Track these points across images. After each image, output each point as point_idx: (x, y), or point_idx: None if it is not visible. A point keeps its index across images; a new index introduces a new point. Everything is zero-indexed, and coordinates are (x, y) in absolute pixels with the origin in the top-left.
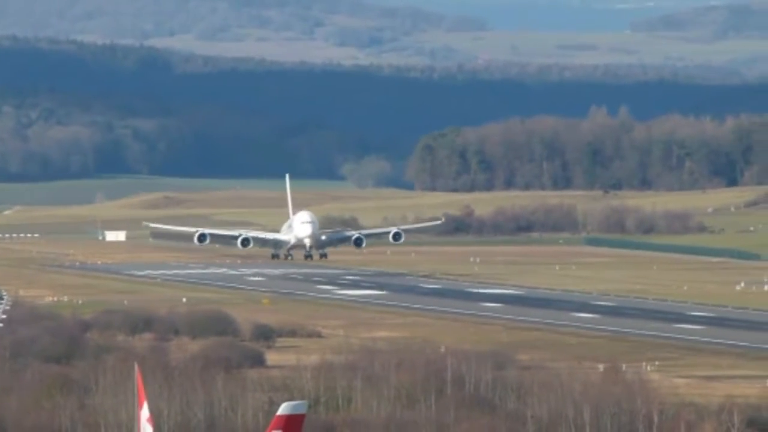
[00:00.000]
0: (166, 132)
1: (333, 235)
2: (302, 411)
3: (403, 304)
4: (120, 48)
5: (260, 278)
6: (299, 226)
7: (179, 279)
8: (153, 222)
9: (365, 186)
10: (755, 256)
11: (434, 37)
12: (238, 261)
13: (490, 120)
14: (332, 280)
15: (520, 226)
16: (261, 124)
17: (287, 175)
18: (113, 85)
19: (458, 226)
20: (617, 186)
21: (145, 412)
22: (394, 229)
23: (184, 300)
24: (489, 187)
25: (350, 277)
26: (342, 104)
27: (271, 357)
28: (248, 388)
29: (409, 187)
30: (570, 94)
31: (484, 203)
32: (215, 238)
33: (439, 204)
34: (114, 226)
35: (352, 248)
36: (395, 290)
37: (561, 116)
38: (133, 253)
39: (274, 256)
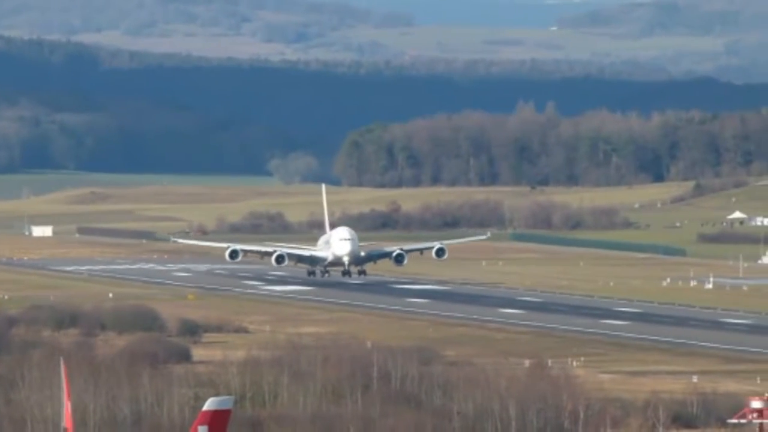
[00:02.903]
0: (92, 127)
1: (373, 252)
2: (228, 406)
3: (330, 300)
4: (47, 43)
5: (186, 274)
6: (338, 243)
7: (106, 274)
8: (182, 239)
9: (292, 182)
10: (681, 252)
11: (361, 33)
12: (165, 256)
13: (416, 116)
14: (259, 276)
15: (446, 222)
16: (188, 120)
17: (323, 186)
18: (40, 81)
19: (385, 222)
20: (544, 182)
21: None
22: (437, 245)
23: (111, 295)
24: (416, 182)
25: (277, 273)
26: (269, 100)
27: (198, 352)
28: (174, 384)
29: (336, 182)
30: (497, 89)
31: (411, 199)
32: (248, 254)
33: (366, 200)
34: (41, 221)
35: (390, 264)
36: (322, 286)
37: (488, 112)
38: (60, 249)
39: (311, 273)
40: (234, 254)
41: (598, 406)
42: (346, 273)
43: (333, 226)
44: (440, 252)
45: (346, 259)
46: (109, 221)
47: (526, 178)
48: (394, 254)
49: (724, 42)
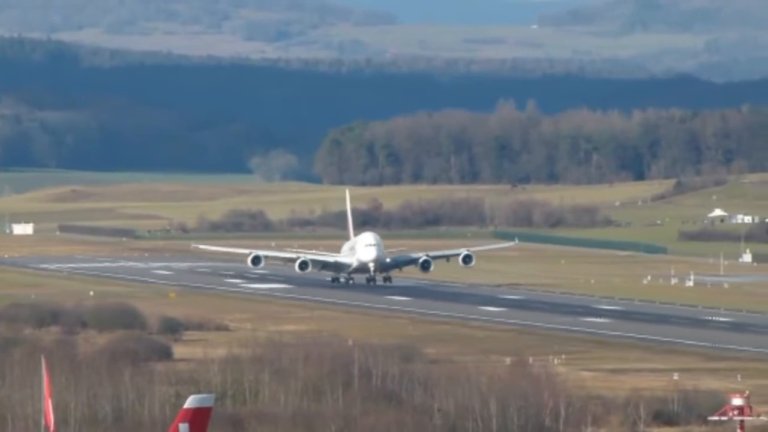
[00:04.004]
0: (73, 125)
1: (398, 258)
2: (209, 404)
3: (311, 298)
4: (28, 41)
5: (168, 272)
6: (363, 249)
7: (87, 272)
8: (202, 244)
9: (273, 179)
10: (662, 250)
11: (342, 31)
12: (146, 254)
13: (397, 114)
14: (240, 274)
15: (427, 220)
16: (168, 118)
17: (347, 190)
18: (21, 79)
19: (366, 220)
20: (525, 180)
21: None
22: (464, 251)
23: (92, 293)
24: (397, 180)
25: (259, 271)
26: (250, 98)
27: (179, 350)
28: (155, 381)
29: (317, 180)
30: (477, 88)
31: (392, 197)
32: (271, 260)
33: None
34: (21, 219)
35: (416, 270)
36: (303, 284)
37: (468, 110)
38: (41, 247)
39: (335, 280)
40: (256, 260)
41: (579, 403)
42: (371, 279)
43: (313, 223)
44: (467, 259)
45: (371, 266)
46: (90, 219)
47: (507, 176)
48: (421, 261)
49: (705, 40)
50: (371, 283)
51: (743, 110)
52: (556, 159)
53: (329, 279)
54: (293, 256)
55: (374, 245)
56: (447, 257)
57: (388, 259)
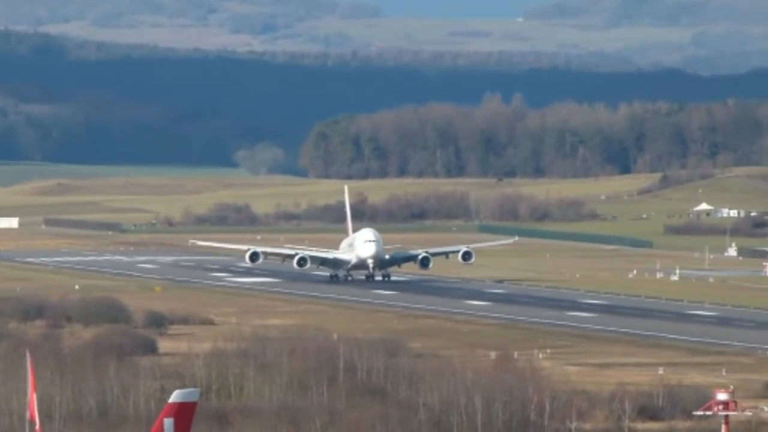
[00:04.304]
0: (59, 118)
1: (397, 255)
2: (194, 399)
3: (297, 292)
4: (14, 34)
5: (153, 266)
6: (362, 246)
7: (72, 266)
8: (200, 240)
9: (258, 173)
10: (648, 244)
11: (328, 24)
12: (131, 248)
13: (383, 107)
14: (225, 268)
15: (413, 214)
16: (155, 111)
17: (346, 187)
18: (7, 72)
19: (352, 214)
20: (511, 173)
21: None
22: (463, 248)
23: (77, 287)
24: (382, 174)
25: (244, 265)
26: (236, 91)
27: (164, 344)
28: (140, 376)
29: (303, 174)
30: (463, 81)
31: (378, 190)
32: (269, 256)
33: (333, 191)
34: (7, 212)
35: (415, 267)
36: (289, 278)
37: (454, 104)
38: (26, 240)
39: (333, 277)
40: (254, 257)
41: (564, 398)
42: (370, 276)
43: (299, 217)
44: (467, 256)
45: (370, 262)
46: (75, 213)
47: (492, 170)
48: (420, 257)
49: (691, 33)
50: (370, 280)
51: (729, 104)
52: (542, 153)
53: (328, 276)
54: (292, 252)
55: (373, 241)
56: (446, 254)
57: (387, 256)
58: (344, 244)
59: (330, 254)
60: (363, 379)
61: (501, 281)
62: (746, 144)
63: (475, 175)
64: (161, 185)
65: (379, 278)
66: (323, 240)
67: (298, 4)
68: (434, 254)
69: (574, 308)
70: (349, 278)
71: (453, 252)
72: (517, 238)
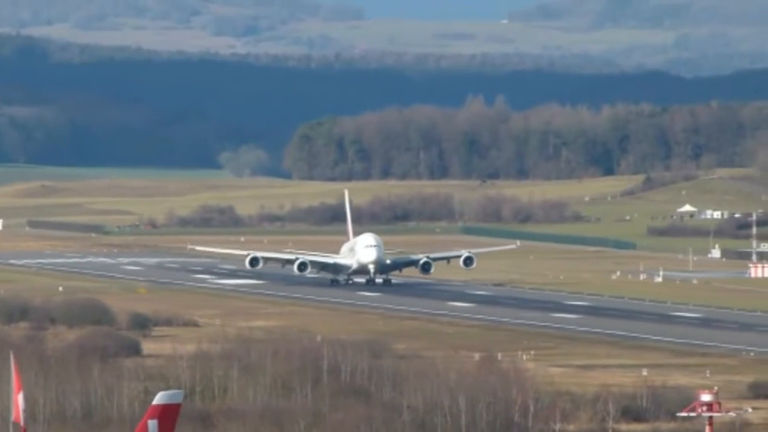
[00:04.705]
0: (42, 121)
1: (398, 259)
2: (178, 400)
3: (280, 294)
4: None
5: (137, 267)
6: (363, 251)
7: (56, 268)
8: (198, 245)
9: (242, 175)
10: (631, 245)
11: (311, 26)
12: (115, 250)
13: (367, 109)
14: (209, 270)
15: (396, 216)
16: (138, 113)
17: (346, 191)
18: None
19: (335, 215)
20: (494, 175)
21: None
22: (465, 253)
23: (61, 289)
24: (366, 176)
25: (228, 266)
26: (219, 93)
27: (147, 346)
28: (124, 377)
29: (287, 176)
30: (447, 83)
31: (361, 192)
32: (269, 261)
33: (317, 193)
34: None
35: (416, 272)
36: (273, 280)
37: (438, 106)
38: (10, 242)
39: (334, 282)
40: (254, 262)
41: (547, 399)
42: (371, 281)
43: (283, 219)
44: (468, 261)
45: (371, 267)
46: (59, 215)
47: (476, 172)
48: (421, 262)
49: (674, 35)
50: (371, 285)
51: (712, 106)
52: (526, 154)
53: (329, 280)
54: (292, 257)
55: (374, 246)
56: (447, 259)
57: (388, 261)
58: (345, 248)
59: (330, 259)
60: (347, 380)
61: (501, 284)
62: (729, 146)
63: (458, 177)
64: (144, 187)
65: (380, 283)
66: (307, 242)
67: (282, 6)
68: (435, 259)
69: (557, 310)
70: (350, 282)
71: (454, 257)
72: (518, 244)
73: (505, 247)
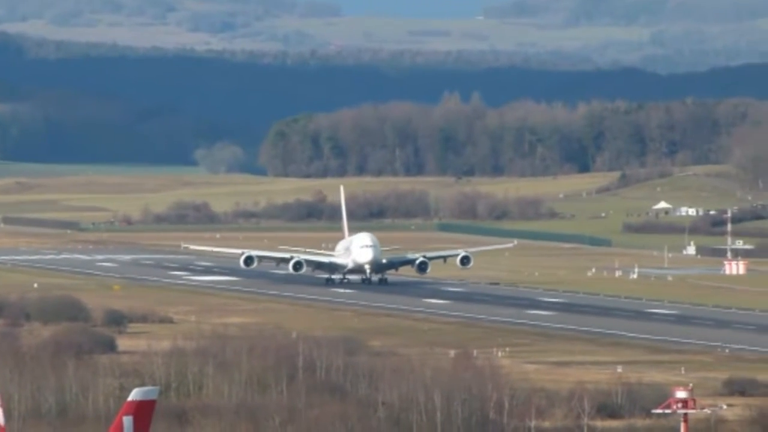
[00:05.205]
0: (18, 117)
1: (395, 259)
2: (153, 397)
3: (256, 291)
4: None
5: (112, 264)
6: (359, 251)
7: (31, 264)
8: (192, 244)
9: (218, 171)
10: (607, 242)
11: (287, 23)
12: (90, 246)
13: (342, 106)
14: (184, 266)
15: (372, 212)
16: (113, 110)
17: (341, 187)
18: None
19: (310, 212)
20: (469, 172)
21: None
22: (462, 252)
23: (36, 285)
24: (341, 173)
25: (203, 263)
26: (194, 89)
27: (123, 342)
28: (99, 374)
29: (262, 172)
30: (422, 80)
31: (337, 189)
32: (263, 260)
33: (292, 190)
34: None
35: (412, 271)
36: (248, 276)
37: (413, 102)
38: None
39: (329, 281)
40: (249, 261)
41: (523, 396)
42: (367, 280)
43: (258, 216)
44: (465, 260)
45: (367, 267)
46: (34, 211)
47: (451, 169)
48: (418, 262)
49: (650, 32)
50: (366, 284)
51: (688, 102)
52: (501, 151)
53: (324, 279)
54: (287, 256)
55: (371, 247)
56: (444, 258)
57: (384, 260)
58: (340, 247)
59: (326, 258)
60: (322, 377)
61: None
62: (705, 143)
63: (433, 174)
64: (120, 183)
65: (375, 281)
66: (282, 239)
67: (257, 2)
68: (432, 258)
69: (533, 306)
70: (345, 281)
71: (451, 256)
72: (516, 243)
73: (502, 245)
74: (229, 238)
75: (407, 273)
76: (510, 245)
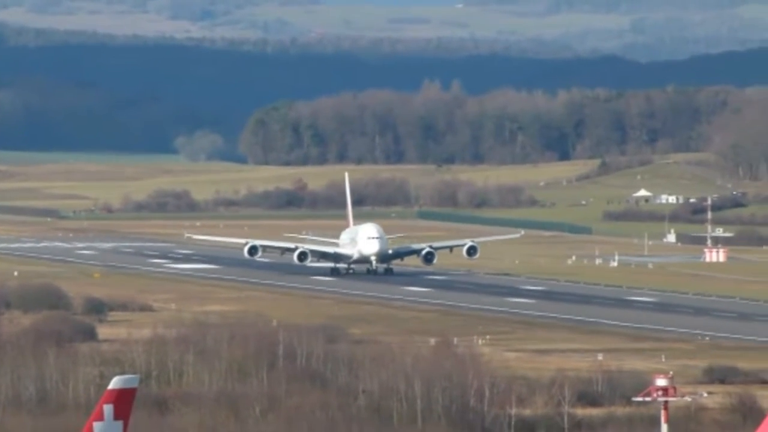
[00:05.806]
0: None
1: (401, 249)
2: (134, 385)
3: (236, 278)
4: None
5: (92, 252)
6: (365, 242)
7: (11, 252)
8: (195, 234)
9: (198, 160)
10: (587, 230)
11: (267, 11)
12: (71, 234)
13: (322, 94)
14: (164, 254)
15: (352, 200)
16: (93, 98)
17: (346, 174)
18: None
19: (291, 200)
20: (449, 160)
21: None
22: (468, 243)
23: (16, 273)
24: (322, 161)
25: (183, 251)
26: (174, 77)
27: (103, 331)
28: (80, 362)
29: (242, 160)
30: (402, 68)
31: (317, 177)
32: (268, 250)
33: (272, 178)
34: None
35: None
36: (228, 264)
37: (393, 90)
38: None
39: (334, 271)
40: (253, 250)
41: (503, 384)
42: (372, 271)
43: (238, 204)
44: (471, 250)
45: (373, 259)
46: (14, 199)
47: (431, 157)
48: (424, 252)
49: (630, 20)
50: (372, 274)
51: (668, 90)
52: (481, 139)
53: (329, 269)
54: (292, 246)
55: (377, 238)
56: (450, 248)
57: (389, 251)
58: (345, 236)
59: (331, 249)
60: (302, 365)
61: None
62: (685, 130)
63: (414, 162)
64: (100, 171)
65: (381, 272)
66: (263, 227)
67: None
68: (438, 248)
69: (513, 294)
70: (351, 271)
71: (457, 246)
72: (523, 233)
73: (509, 236)
74: (210, 226)
75: (413, 263)
76: (517, 235)
